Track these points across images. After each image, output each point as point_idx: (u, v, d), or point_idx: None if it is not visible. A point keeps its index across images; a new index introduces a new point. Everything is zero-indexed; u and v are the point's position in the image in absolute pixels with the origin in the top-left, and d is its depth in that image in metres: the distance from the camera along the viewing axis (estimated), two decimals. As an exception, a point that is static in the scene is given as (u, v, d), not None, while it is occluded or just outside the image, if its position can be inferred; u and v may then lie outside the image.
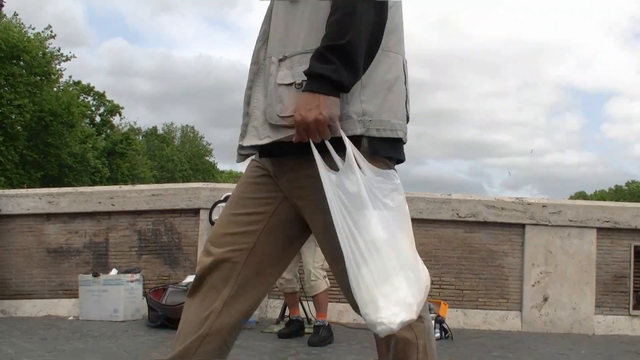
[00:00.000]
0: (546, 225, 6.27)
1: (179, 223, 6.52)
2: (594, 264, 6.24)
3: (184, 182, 56.63)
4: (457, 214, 6.31)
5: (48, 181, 37.37)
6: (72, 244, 6.52)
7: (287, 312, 5.95)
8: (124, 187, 6.68)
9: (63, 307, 6.38)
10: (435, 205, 6.33)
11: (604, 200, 66.55)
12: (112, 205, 6.49)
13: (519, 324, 6.20)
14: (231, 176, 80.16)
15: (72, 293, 6.36)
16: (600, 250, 6.28)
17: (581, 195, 73.77)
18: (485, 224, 6.34)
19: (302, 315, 5.36)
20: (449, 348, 4.83)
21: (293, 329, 5.01)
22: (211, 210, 6.31)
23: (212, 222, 6.28)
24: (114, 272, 5.95)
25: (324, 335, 4.77)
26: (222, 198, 6.38)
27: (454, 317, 6.16)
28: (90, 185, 40.01)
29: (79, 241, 6.52)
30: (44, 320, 5.83)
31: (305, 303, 5.59)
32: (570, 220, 6.26)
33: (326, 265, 4.79)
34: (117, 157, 43.10)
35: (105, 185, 42.02)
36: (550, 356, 4.66)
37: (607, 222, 6.26)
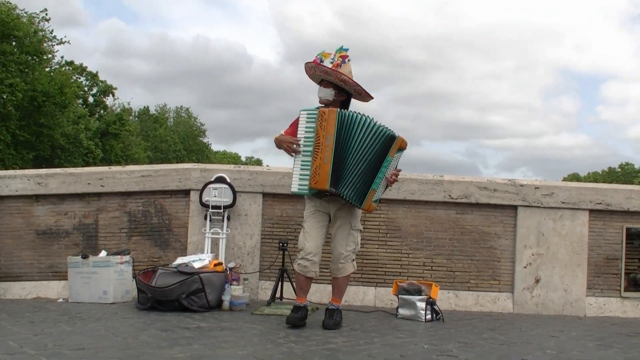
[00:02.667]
0: (538, 206, 6.25)
1: (170, 204, 6.46)
2: (586, 246, 6.23)
3: (177, 162, 56.45)
4: (450, 195, 6.28)
5: (40, 162, 37.19)
6: (61, 226, 6.46)
7: (277, 294, 5.94)
8: (114, 168, 6.61)
9: (52, 289, 6.34)
10: (427, 186, 6.29)
11: (597, 182, 66.69)
12: (102, 186, 6.42)
13: (511, 306, 6.20)
14: (225, 157, 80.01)
15: (61, 275, 6.32)
16: (593, 232, 6.26)
17: (574, 177, 73.81)
18: (477, 205, 6.30)
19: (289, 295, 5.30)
20: (440, 330, 4.82)
21: (302, 314, 4.67)
22: (202, 191, 6.27)
23: (202, 204, 6.24)
24: (103, 254, 5.90)
25: (338, 319, 4.71)
26: (212, 179, 6.33)
27: (446, 299, 6.15)
28: (83, 167, 39.89)
29: (68, 223, 6.47)
30: (33, 303, 5.79)
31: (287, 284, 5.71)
32: (563, 202, 6.23)
33: (357, 248, 4.73)
34: (110, 137, 42.85)
35: (99, 165, 41.86)
36: (540, 338, 4.64)
37: (600, 204, 6.23)
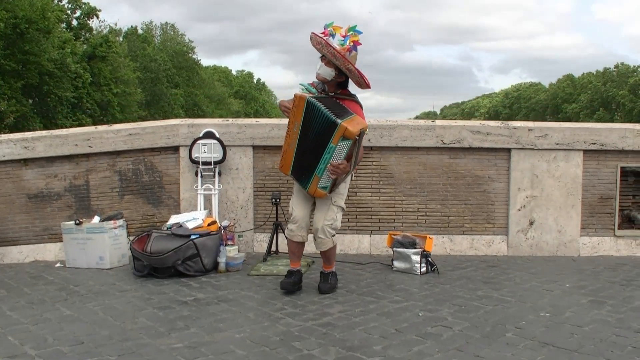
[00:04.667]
0: (532, 149, 6.19)
1: (159, 161, 6.39)
2: (580, 187, 6.21)
3: (168, 81, 55.68)
4: (442, 140, 6.20)
5: (29, 90, 36.70)
6: (52, 188, 6.40)
7: (273, 248, 5.99)
8: (100, 128, 6.48)
9: (50, 251, 6.36)
10: (418, 132, 6.21)
11: (591, 82, 66.27)
12: (90, 147, 6.32)
13: (505, 248, 6.25)
14: (216, 72, 78.93)
15: (57, 237, 6.31)
16: (587, 172, 6.23)
17: (569, 78, 73.31)
18: (470, 149, 6.24)
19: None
20: (434, 287, 4.86)
21: (296, 279, 4.72)
22: (191, 147, 6.19)
23: (192, 160, 6.18)
24: (96, 219, 5.87)
25: (333, 283, 4.78)
26: (200, 134, 6.25)
27: (440, 244, 6.20)
28: (72, 92, 39.34)
29: (59, 185, 6.40)
30: (31, 270, 5.79)
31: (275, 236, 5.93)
32: (557, 144, 6.17)
33: (335, 224, 4.63)
34: (98, 60, 42.09)
35: (89, 89, 41.35)
36: (534, 293, 4.69)
37: (594, 144, 6.17)
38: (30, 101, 37.24)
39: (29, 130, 35.88)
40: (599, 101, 65.32)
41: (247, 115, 79.47)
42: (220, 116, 66.65)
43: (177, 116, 56.32)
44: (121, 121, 47.51)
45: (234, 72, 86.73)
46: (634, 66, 65.12)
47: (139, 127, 6.38)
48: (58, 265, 5.96)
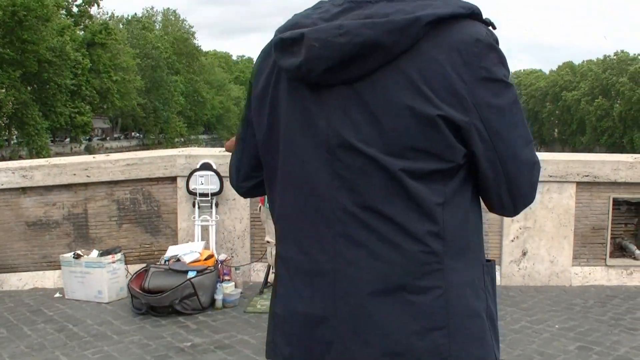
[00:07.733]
0: (526, 180, 6.24)
1: (157, 191, 6.46)
2: (573, 218, 6.28)
3: (168, 68, 55.54)
4: (437, 172, 6.26)
5: (29, 78, 36.69)
6: (51, 217, 6.48)
7: (269, 279, 6.07)
8: (98, 158, 6.55)
9: (49, 279, 6.45)
10: (414, 164, 6.26)
11: (591, 70, 66.06)
12: (87, 176, 6.39)
13: (498, 278, 6.33)
14: (216, 57, 78.77)
15: (56, 265, 6.38)
16: (580, 204, 6.30)
17: (569, 66, 73.16)
18: (464, 180, 6.30)
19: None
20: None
21: None
22: (188, 179, 6.25)
23: (189, 191, 6.24)
24: (94, 253, 5.94)
25: None
26: (198, 166, 6.31)
27: (435, 274, 6.27)
28: (72, 79, 39.26)
29: (57, 213, 6.47)
30: (30, 301, 5.88)
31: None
32: (550, 176, 6.23)
33: None
34: (97, 47, 42.06)
35: (88, 76, 41.28)
36: (524, 336, 4.78)
37: (587, 176, 6.23)
38: (29, 88, 37.24)
39: (28, 118, 35.98)
40: (599, 89, 65.23)
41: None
42: (221, 102, 66.70)
43: (176, 103, 56.32)
44: (120, 108, 47.64)
45: (234, 58, 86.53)
46: (634, 54, 64.98)
47: (137, 157, 6.45)
48: (57, 295, 6.05)
